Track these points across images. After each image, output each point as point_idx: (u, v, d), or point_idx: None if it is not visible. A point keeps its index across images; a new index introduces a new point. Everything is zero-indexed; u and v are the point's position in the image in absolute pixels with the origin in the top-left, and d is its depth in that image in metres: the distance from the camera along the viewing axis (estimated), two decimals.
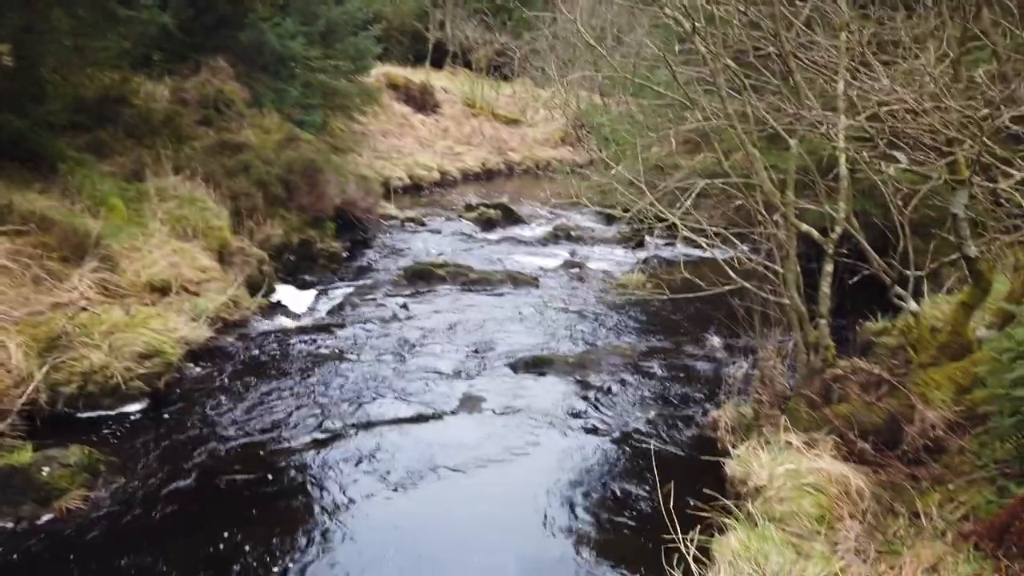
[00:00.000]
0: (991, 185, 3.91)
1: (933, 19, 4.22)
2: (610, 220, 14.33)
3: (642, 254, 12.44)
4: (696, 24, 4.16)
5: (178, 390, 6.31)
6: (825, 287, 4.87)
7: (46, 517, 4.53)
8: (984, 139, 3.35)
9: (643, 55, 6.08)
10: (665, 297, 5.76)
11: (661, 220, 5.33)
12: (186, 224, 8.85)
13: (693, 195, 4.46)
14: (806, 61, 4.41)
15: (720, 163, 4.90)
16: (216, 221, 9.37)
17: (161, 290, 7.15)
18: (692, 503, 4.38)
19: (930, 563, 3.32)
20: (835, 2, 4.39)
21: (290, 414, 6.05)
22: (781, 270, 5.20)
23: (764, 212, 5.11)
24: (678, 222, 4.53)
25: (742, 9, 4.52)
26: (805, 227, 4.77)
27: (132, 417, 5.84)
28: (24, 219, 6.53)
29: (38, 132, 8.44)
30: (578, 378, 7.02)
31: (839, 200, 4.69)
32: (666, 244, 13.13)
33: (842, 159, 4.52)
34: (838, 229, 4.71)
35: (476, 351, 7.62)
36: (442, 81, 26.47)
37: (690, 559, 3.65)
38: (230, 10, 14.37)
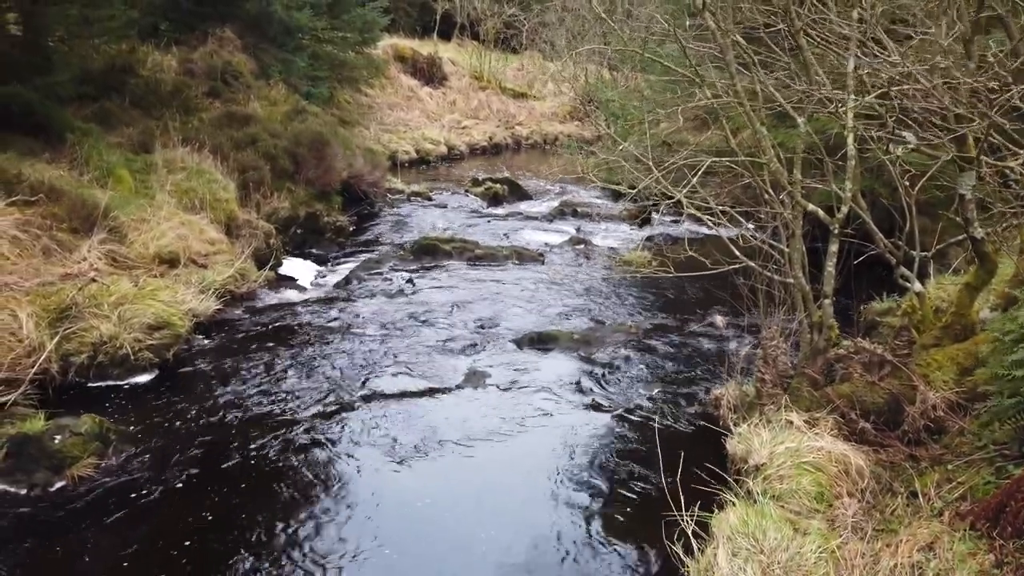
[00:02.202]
0: (999, 165, 3.89)
1: None
2: (617, 196, 14.26)
3: (648, 231, 12.42)
4: (705, 1, 4.12)
5: (186, 361, 6.38)
6: (830, 267, 4.87)
7: (59, 484, 4.62)
8: (992, 116, 3.33)
9: (652, 29, 6.03)
10: (670, 276, 5.77)
11: (668, 197, 5.34)
12: (193, 196, 8.88)
13: (700, 173, 4.45)
14: (817, 37, 4.37)
15: (727, 141, 4.88)
16: (223, 193, 9.40)
17: (169, 262, 7.20)
18: (694, 480, 4.44)
19: (926, 542, 3.36)
20: None
21: (296, 386, 6.12)
22: (787, 249, 5.21)
23: (771, 191, 5.10)
24: (684, 200, 4.53)
25: None
26: (811, 207, 4.77)
27: (141, 387, 5.92)
28: (33, 190, 6.56)
29: (46, 103, 8.44)
30: (583, 355, 7.06)
31: (846, 180, 4.68)
32: (672, 221, 13.10)
33: (850, 138, 4.50)
34: (844, 209, 4.71)
35: (481, 326, 7.66)
36: (450, 53, 26.27)
37: (689, 534, 3.71)
38: None
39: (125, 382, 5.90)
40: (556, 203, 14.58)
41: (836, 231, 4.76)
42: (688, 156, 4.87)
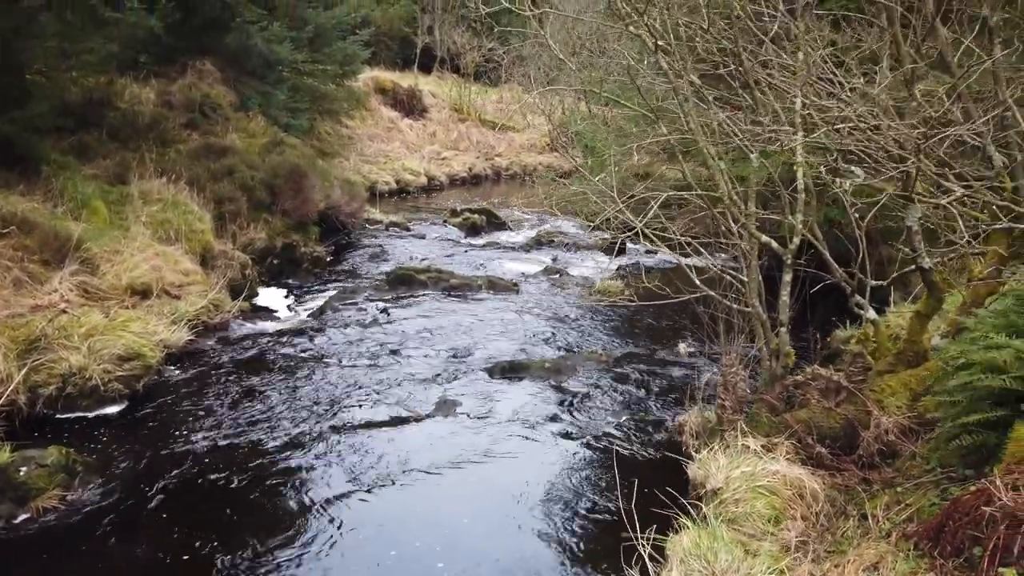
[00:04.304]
0: (930, 201, 4.08)
1: (886, 38, 4.38)
2: (596, 228, 14.49)
3: (621, 261, 12.59)
4: (659, 42, 4.31)
5: (157, 392, 6.40)
6: (784, 295, 5.02)
7: (23, 516, 4.62)
8: (918, 159, 3.51)
9: (613, 67, 6.22)
10: (634, 304, 5.91)
11: (629, 228, 5.49)
12: (169, 227, 8.94)
13: (657, 205, 4.61)
14: (766, 78, 4.57)
15: (683, 175, 5.05)
16: (199, 225, 9.47)
17: (142, 293, 7.24)
18: (656, 504, 4.53)
19: (872, 562, 3.46)
20: (793, 22, 4.55)
21: (267, 416, 6.16)
22: (745, 279, 5.36)
23: (731, 222, 5.26)
24: (643, 229, 4.68)
25: (705, 28, 4.68)
26: (765, 238, 4.93)
27: (111, 419, 5.93)
28: (5, 222, 6.61)
29: (23, 135, 8.51)
30: (553, 383, 7.15)
31: (796, 212, 4.85)
32: (647, 252, 13.29)
33: (799, 173, 4.68)
34: (796, 240, 4.87)
35: (454, 356, 7.74)
36: (430, 86, 26.60)
37: (646, 557, 3.79)
38: (217, 13, 14.47)
39: (94, 413, 5.91)
40: (533, 233, 14.75)
41: (789, 261, 4.92)
42: (648, 188, 5.02)
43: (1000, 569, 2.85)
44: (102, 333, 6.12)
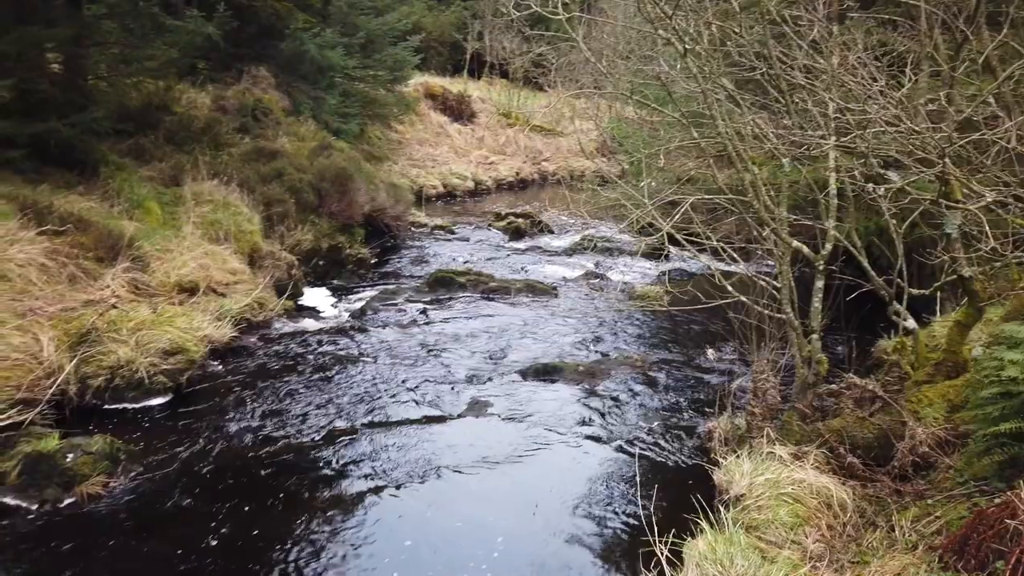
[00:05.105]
0: (959, 207, 3.97)
1: (925, 41, 4.29)
2: (640, 232, 14.40)
3: (665, 266, 12.50)
4: (686, 47, 4.30)
5: (200, 386, 6.62)
6: (816, 302, 4.94)
7: (68, 500, 4.84)
8: (947, 161, 3.43)
9: (653, 72, 6.21)
10: (670, 310, 5.88)
11: (669, 234, 5.48)
12: (219, 228, 9.23)
13: (683, 208, 4.60)
14: (799, 81, 4.51)
15: (713, 179, 5.02)
16: (248, 225, 9.75)
17: (189, 290, 7.50)
18: (682, 509, 4.51)
19: (894, 573, 3.40)
20: (828, 25, 4.49)
21: (305, 412, 6.31)
22: (779, 284, 5.29)
23: (762, 227, 5.21)
24: (672, 232, 4.67)
25: (737, 31, 4.65)
26: (796, 243, 4.87)
27: (155, 410, 6.16)
28: (63, 220, 6.93)
29: (83, 139, 8.90)
30: (587, 386, 7.15)
31: (828, 217, 4.77)
32: (691, 258, 13.15)
33: (832, 177, 4.61)
34: (828, 246, 4.80)
35: (489, 357, 7.81)
36: (479, 91, 26.83)
37: (664, 561, 3.78)
38: (272, 21, 14.89)
39: (140, 404, 6.14)
40: (577, 238, 14.73)
41: (821, 267, 4.84)
42: (679, 192, 5.01)
43: None
44: (149, 328, 6.37)
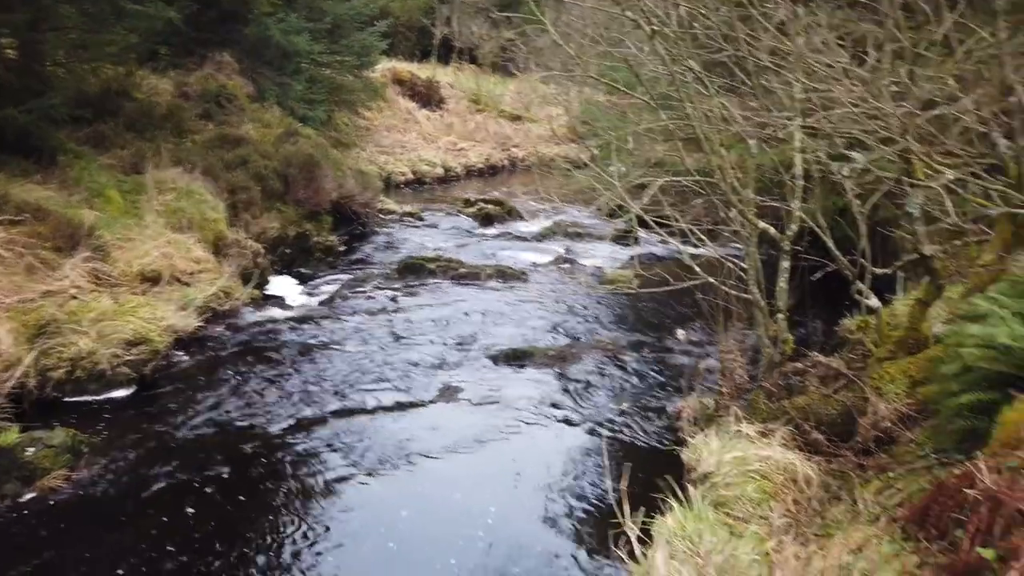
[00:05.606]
0: (926, 184, 4.03)
1: (889, 23, 4.33)
2: (611, 216, 14.43)
3: (635, 251, 12.55)
4: (654, 29, 4.30)
5: (164, 376, 6.51)
6: (782, 283, 5.00)
7: (29, 495, 4.73)
8: (909, 137, 3.47)
9: (617, 55, 6.21)
10: (639, 292, 5.91)
11: (639, 217, 5.49)
12: (182, 216, 9.06)
13: (653, 190, 4.61)
14: (765, 63, 4.53)
15: (681, 160, 5.04)
16: (212, 214, 9.58)
17: (152, 280, 7.36)
18: (651, 489, 4.54)
19: (857, 544, 3.45)
20: (793, 6, 4.52)
21: (273, 401, 6.24)
22: (745, 265, 5.34)
23: (729, 208, 5.24)
24: (640, 214, 4.68)
25: (704, 13, 4.66)
26: (762, 224, 4.91)
27: (118, 402, 6.05)
28: (19, 209, 6.75)
29: (40, 126, 8.65)
30: (557, 370, 7.17)
31: (794, 198, 4.82)
32: (660, 242, 13.22)
33: (797, 158, 4.65)
34: (793, 226, 4.84)
35: (459, 343, 7.79)
36: (448, 77, 26.60)
37: (634, 539, 3.80)
38: (236, 5, 14.60)
39: (102, 396, 6.03)
40: (547, 223, 14.72)
41: (787, 248, 4.89)
42: (647, 175, 5.02)
43: (980, 550, 2.83)
44: (111, 318, 6.24)
